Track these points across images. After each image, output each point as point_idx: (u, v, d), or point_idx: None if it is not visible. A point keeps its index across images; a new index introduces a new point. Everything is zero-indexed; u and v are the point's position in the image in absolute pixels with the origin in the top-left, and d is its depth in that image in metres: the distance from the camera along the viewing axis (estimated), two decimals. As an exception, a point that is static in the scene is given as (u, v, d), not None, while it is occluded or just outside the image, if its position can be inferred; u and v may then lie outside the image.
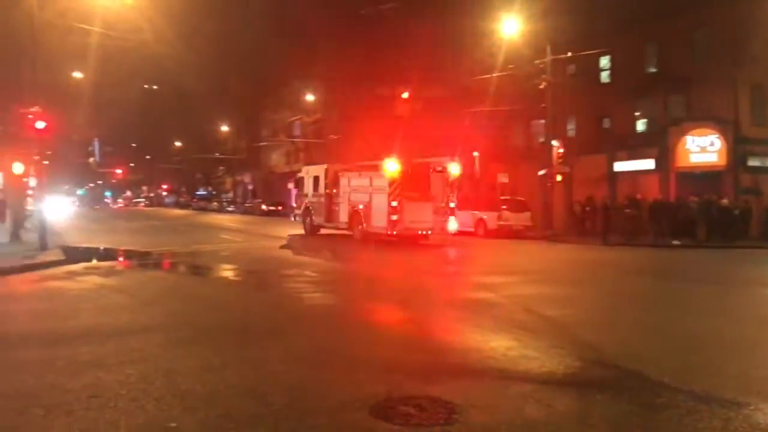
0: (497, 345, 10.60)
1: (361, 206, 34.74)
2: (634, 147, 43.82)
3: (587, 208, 41.43)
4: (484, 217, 40.77)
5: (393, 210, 32.49)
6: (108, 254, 26.73)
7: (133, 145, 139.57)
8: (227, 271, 21.33)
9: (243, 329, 11.84)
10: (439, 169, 33.30)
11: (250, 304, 14.95)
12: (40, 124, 25.67)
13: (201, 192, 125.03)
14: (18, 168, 32.15)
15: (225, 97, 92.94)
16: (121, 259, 25.19)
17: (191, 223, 57.35)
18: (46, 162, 32.60)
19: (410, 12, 57.04)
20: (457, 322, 12.70)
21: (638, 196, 39.69)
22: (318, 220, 39.07)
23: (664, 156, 41.65)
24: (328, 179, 38.21)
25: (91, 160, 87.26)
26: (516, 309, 13.77)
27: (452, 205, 33.36)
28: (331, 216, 37.71)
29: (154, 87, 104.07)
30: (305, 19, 66.63)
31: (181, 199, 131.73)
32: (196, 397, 8.08)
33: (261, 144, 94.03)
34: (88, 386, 8.42)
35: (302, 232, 40.07)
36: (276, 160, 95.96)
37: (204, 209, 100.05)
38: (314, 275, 19.96)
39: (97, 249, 28.85)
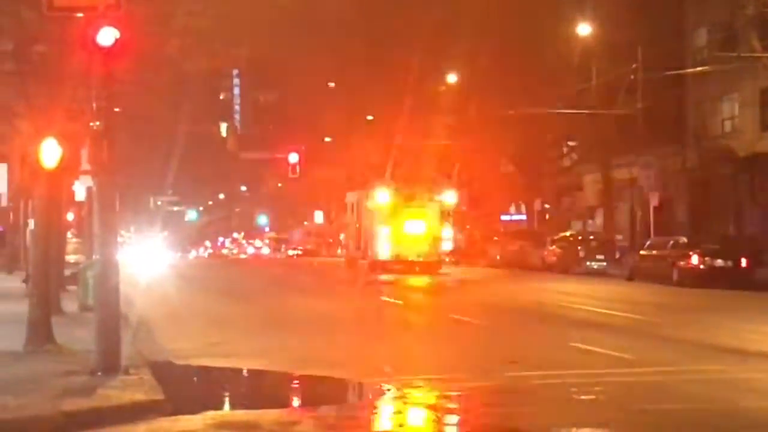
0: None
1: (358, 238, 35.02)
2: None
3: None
4: None
5: (379, 239, 32.72)
6: (276, 388, 11.98)
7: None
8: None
9: None
10: (436, 197, 33.64)
11: None
12: (107, 36, 11.08)
13: None
14: (50, 153, 13.26)
15: None
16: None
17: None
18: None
19: None
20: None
21: None
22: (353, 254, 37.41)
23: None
24: (359, 206, 36.38)
25: (223, 128, 32.00)
26: None
27: (447, 233, 33.70)
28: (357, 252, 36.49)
29: None
30: None
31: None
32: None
33: None
34: None
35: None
36: None
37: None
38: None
39: (241, 373, 13.39)
